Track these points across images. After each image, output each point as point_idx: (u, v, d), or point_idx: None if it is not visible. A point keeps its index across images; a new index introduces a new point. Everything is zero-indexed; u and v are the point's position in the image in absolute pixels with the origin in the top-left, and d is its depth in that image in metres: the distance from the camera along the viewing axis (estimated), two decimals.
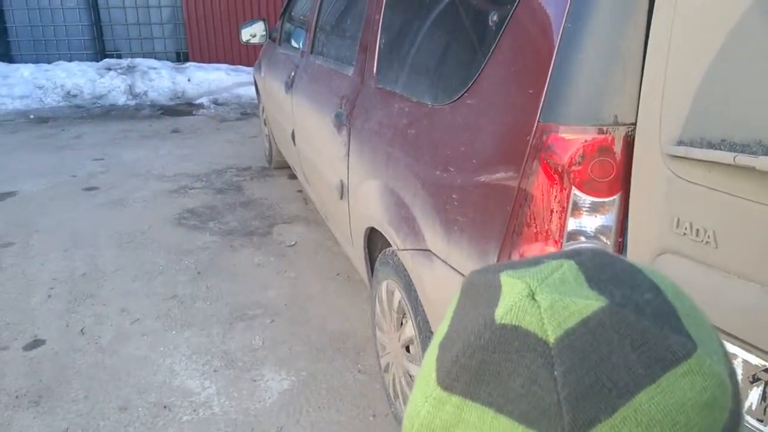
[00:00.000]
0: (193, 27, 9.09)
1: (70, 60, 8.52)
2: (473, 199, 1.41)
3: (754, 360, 1.03)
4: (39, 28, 8.89)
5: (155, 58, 8.80)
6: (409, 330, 1.85)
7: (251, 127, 6.45)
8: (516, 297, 0.37)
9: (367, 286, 2.47)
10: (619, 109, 1.16)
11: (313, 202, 3.52)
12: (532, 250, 1.26)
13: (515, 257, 1.28)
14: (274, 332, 2.63)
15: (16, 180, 4.66)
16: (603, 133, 1.17)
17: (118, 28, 9.13)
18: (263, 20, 4.44)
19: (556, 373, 0.34)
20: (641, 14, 1.13)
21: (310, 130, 2.84)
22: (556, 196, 1.21)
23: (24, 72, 7.79)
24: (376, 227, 1.94)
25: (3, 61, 8.35)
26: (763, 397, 1.03)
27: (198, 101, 7.69)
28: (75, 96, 7.68)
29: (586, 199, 1.20)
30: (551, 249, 1.23)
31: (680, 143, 1.06)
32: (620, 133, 1.16)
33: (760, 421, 1.04)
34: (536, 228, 1.24)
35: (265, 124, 4.80)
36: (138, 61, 8.45)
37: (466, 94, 1.47)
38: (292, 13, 3.92)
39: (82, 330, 2.66)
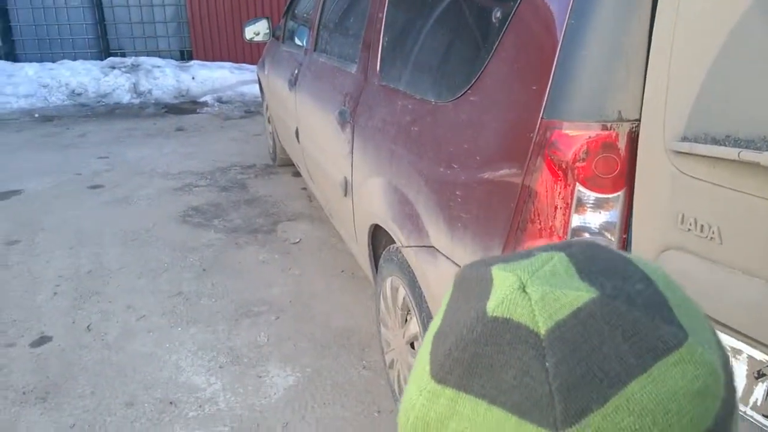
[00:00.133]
0: (197, 25, 9.09)
1: (75, 59, 8.54)
2: (477, 196, 1.41)
3: (759, 356, 1.03)
4: (43, 27, 8.90)
5: (159, 56, 8.81)
6: (414, 326, 1.86)
7: (255, 124, 6.46)
8: (507, 290, 0.38)
9: (371, 282, 2.47)
10: (623, 106, 1.16)
11: (317, 200, 3.52)
12: None
13: None
14: (279, 329, 2.64)
15: (22, 178, 4.68)
16: (607, 129, 1.16)
17: (122, 27, 9.14)
18: (267, 18, 4.44)
19: (547, 364, 0.35)
20: (644, 10, 1.13)
21: (314, 128, 2.84)
22: (560, 193, 1.21)
23: (28, 71, 7.81)
24: (380, 224, 1.95)
25: (8, 60, 8.38)
26: None
27: (202, 99, 7.70)
28: (79, 95, 7.70)
29: (590, 196, 1.20)
30: None
31: (684, 139, 1.06)
32: (624, 129, 1.16)
33: (766, 417, 1.04)
34: (540, 224, 1.24)
35: (269, 121, 4.81)
36: (142, 59, 8.47)
37: (469, 91, 1.47)
38: (296, 11, 3.93)
39: (88, 327, 2.68)
